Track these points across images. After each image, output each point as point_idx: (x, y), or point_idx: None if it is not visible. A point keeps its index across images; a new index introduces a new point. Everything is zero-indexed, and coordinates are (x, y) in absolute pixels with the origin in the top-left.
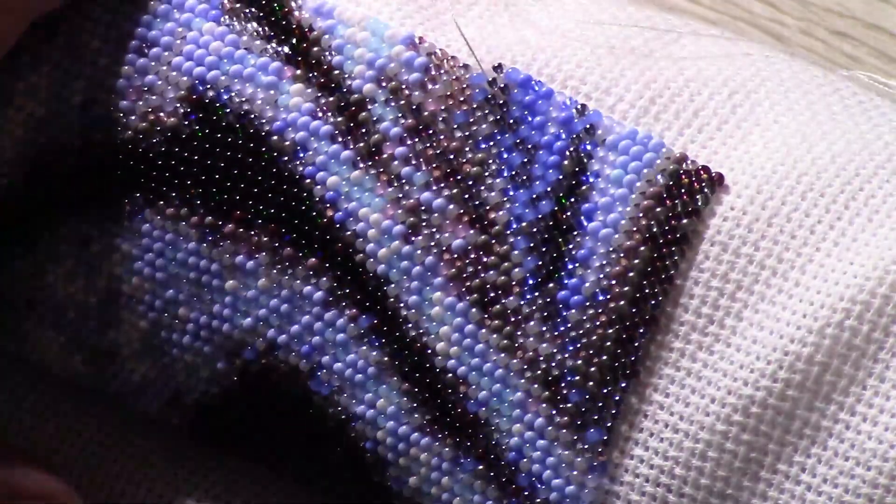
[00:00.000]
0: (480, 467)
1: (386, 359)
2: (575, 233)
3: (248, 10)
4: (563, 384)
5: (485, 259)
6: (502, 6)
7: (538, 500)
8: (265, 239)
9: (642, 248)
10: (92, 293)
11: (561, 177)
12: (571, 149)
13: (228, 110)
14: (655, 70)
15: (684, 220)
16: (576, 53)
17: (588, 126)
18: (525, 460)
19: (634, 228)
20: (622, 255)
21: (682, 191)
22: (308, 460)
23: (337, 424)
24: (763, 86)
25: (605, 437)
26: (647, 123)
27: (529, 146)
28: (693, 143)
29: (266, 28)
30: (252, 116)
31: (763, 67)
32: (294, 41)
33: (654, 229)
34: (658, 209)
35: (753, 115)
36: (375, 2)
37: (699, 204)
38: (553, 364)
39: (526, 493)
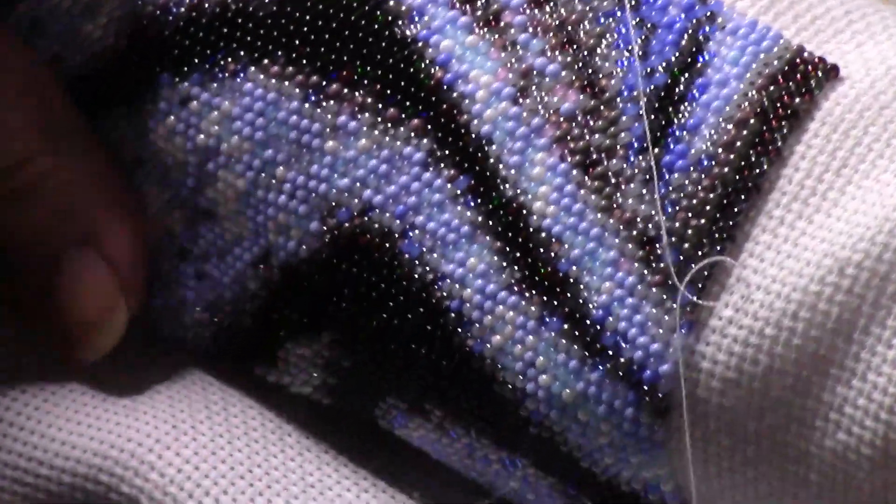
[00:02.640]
0: (566, 326)
1: (480, 218)
2: (686, 104)
3: None
4: (658, 244)
5: (592, 123)
6: None
7: (622, 360)
8: (369, 100)
9: (752, 121)
10: (191, 152)
11: (678, 54)
12: (691, 30)
13: None
14: None
15: (797, 100)
16: None
17: (709, 13)
18: (612, 318)
19: (747, 103)
20: (731, 125)
21: (798, 75)
22: (389, 321)
23: (423, 285)
24: (878, 12)
25: (696, 297)
26: (766, 21)
27: (649, 24)
28: (809, 44)
29: None
30: None
31: (870, 3)
32: None
33: (766, 104)
34: (772, 88)
35: (868, 30)
36: None
37: (813, 87)
38: (650, 225)
39: (610, 353)
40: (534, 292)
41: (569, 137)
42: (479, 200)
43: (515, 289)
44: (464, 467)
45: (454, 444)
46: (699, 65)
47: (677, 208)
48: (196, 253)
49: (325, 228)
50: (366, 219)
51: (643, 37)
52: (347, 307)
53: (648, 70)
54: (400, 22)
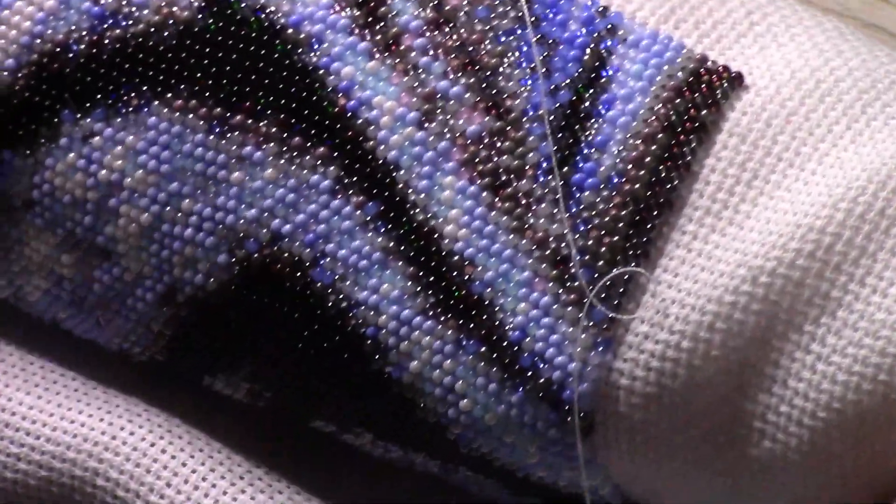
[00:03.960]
0: (483, 349)
1: (391, 244)
2: (592, 120)
3: None
4: (571, 263)
5: (499, 144)
6: None
7: (541, 380)
8: (273, 129)
9: (660, 135)
10: (91, 188)
11: (581, 70)
12: (592, 45)
13: (244, 4)
14: None
15: (703, 111)
16: None
17: (609, 26)
18: (528, 339)
19: (653, 117)
20: (640, 140)
21: (703, 86)
22: (305, 351)
23: (337, 313)
24: (778, 11)
25: (611, 315)
26: (667, 31)
27: (550, 41)
28: (712, 51)
29: None
30: (268, 10)
31: None
32: None
33: (673, 118)
34: (677, 100)
35: (770, 32)
36: None
37: (719, 98)
38: (563, 244)
39: (529, 374)
40: (449, 316)
41: (476, 160)
42: (389, 226)
43: (431, 313)
44: (409, 467)
45: (391, 454)
46: (603, 80)
47: (589, 226)
48: (91, 300)
49: (233, 260)
50: (275, 248)
51: (545, 54)
52: (262, 338)
53: (552, 88)
54: (300, 50)
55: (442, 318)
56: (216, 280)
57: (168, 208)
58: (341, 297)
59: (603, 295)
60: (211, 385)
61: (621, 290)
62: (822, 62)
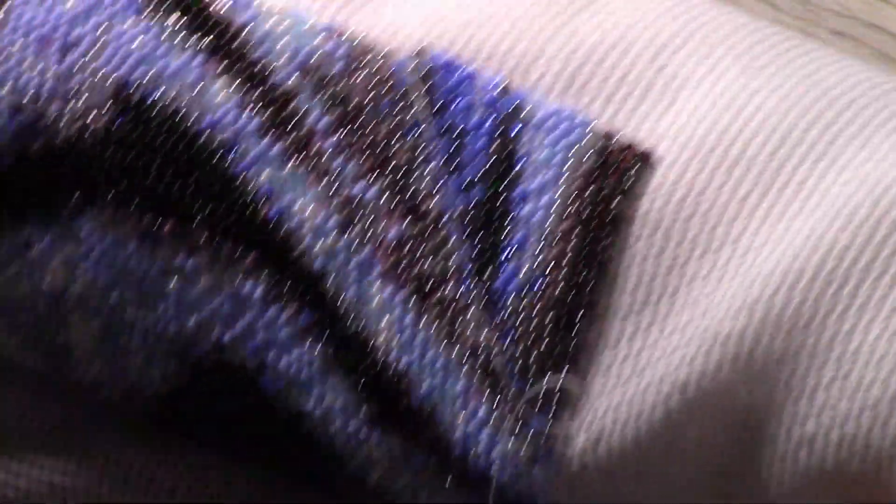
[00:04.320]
0: (432, 460)
1: (329, 354)
2: (509, 218)
3: (166, 4)
4: (504, 373)
5: (421, 249)
6: None
7: (490, 492)
8: (203, 239)
9: (575, 232)
10: (39, 296)
11: (491, 161)
12: (499, 132)
13: (157, 110)
14: (578, 38)
15: (615, 201)
16: (497, 27)
17: (514, 106)
18: (473, 453)
19: (566, 212)
20: (556, 239)
21: (612, 170)
22: (271, 455)
23: (290, 420)
24: (687, 43)
25: (550, 425)
26: (574, 97)
27: (457, 131)
28: (620, 113)
29: (186, 22)
30: (181, 115)
31: (688, 22)
32: (216, 35)
33: (586, 212)
34: (588, 190)
35: (679, 76)
36: None
37: (629, 183)
38: (494, 353)
39: (481, 485)
40: (395, 427)
41: (400, 266)
42: (325, 336)
43: (377, 425)
44: None
45: None
46: (514, 171)
47: (517, 333)
48: (59, 406)
49: (182, 367)
50: (220, 357)
51: (453, 146)
52: (226, 438)
53: (465, 184)
54: (217, 156)
55: (388, 430)
56: (172, 385)
57: (114, 318)
58: (289, 406)
59: (539, 405)
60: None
61: (556, 398)
62: (734, 115)
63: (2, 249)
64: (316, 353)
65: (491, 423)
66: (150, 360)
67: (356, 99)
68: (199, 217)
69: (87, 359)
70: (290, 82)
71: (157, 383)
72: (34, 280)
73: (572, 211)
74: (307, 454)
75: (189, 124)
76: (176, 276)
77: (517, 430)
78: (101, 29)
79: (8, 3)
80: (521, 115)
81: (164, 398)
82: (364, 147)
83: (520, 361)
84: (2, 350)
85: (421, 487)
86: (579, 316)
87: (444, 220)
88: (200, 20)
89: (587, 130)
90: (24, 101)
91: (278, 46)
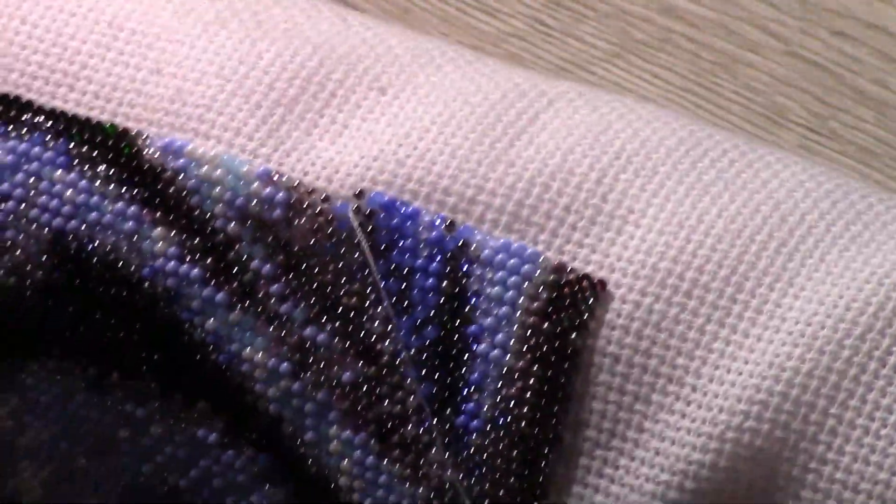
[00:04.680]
0: None
1: (291, 497)
2: (465, 357)
3: (96, 153)
4: None
5: (378, 390)
6: (353, 104)
7: None
8: (153, 385)
9: (535, 368)
10: None
11: (441, 300)
12: (447, 269)
13: (95, 260)
14: (519, 165)
15: (572, 335)
16: (436, 161)
17: (461, 243)
18: None
19: (524, 348)
20: (516, 376)
21: (566, 303)
22: None
23: None
24: (630, 164)
25: None
26: (520, 230)
27: (404, 271)
28: (569, 243)
29: (118, 171)
30: (120, 265)
31: (628, 140)
32: (149, 183)
33: (544, 347)
34: (544, 326)
35: (626, 200)
36: (226, 132)
37: (585, 316)
38: (460, 491)
39: None
40: None
41: (359, 408)
42: (284, 478)
43: None
44: None
45: None
46: (467, 309)
47: (483, 470)
48: None
49: None
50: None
51: (402, 286)
52: None
53: (417, 324)
54: (161, 304)
55: None
56: None
57: (64, 470)
58: None
59: None
60: None
61: None
62: (684, 240)
63: None
64: (276, 497)
65: None
66: None
67: (299, 244)
68: (145, 366)
69: None
70: (229, 229)
71: None
72: None
73: (530, 346)
74: None
75: (130, 273)
76: (127, 425)
77: None
78: (32, 181)
79: None
80: (469, 252)
81: None
82: (311, 291)
83: (488, 497)
84: None
85: None
86: (545, 451)
87: (398, 360)
88: (132, 168)
89: (538, 263)
90: None
91: (214, 193)
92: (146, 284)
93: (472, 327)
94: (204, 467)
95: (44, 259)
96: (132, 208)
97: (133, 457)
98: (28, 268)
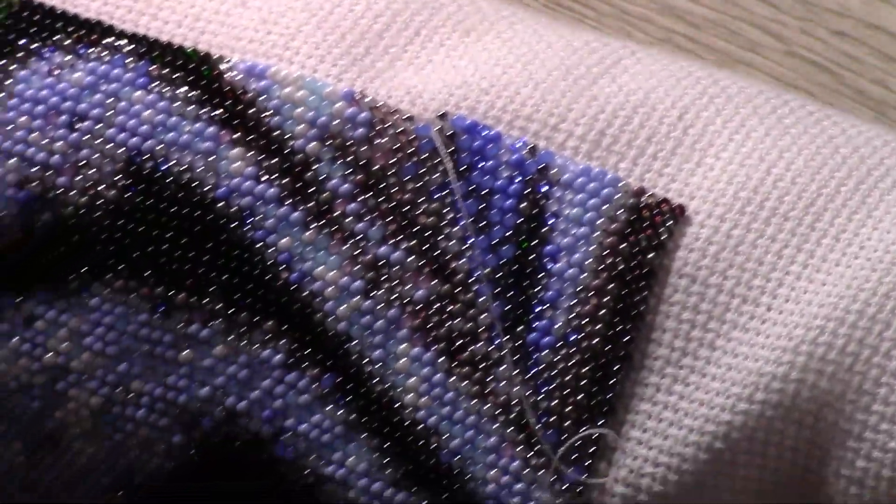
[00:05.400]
0: None
1: (353, 417)
2: (540, 275)
3: (176, 76)
4: (538, 426)
5: (450, 308)
6: (437, 43)
7: None
8: (219, 306)
9: (610, 286)
10: (38, 372)
11: (520, 220)
12: (527, 191)
13: (169, 180)
14: (602, 99)
15: (649, 255)
16: (520, 91)
17: (541, 166)
18: None
19: (600, 267)
20: (591, 294)
21: (645, 225)
22: None
23: (305, 487)
24: (712, 103)
25: (585, 477)
26: (601, 157)
27: (484, 192)
28: (650, 171)
29: (197, 92)
30: (194, 184)
31: (709, 85)
32: (228, 104)
33: (620, 266)
34: (622, 245)
35: (707, 134)
36: (309, 59)
37: (663, 238)
38: (526, 407)
39: None
40: (421, 487)
41: (428, 325)
42: (348, 398)
43: (402, 485)
44: None
45: None
46: (544, 229)
47: (551, 386)
48: (42, 489)
49: (189, 439)
50: (232, 427)
51: (480, 207)
52: None
53: (494, 243)
54: (234, 224)
55: (414, 489)
56: (175, 460)
57: (118, 390)
58: (307, 472)
59: (574, 456)
60: None
61: (591, 450)
62: (765, 171)
63: (4, 325)
64: (338, 416)
65: (524, 476)
66: (154, 433)
67: (379, 163)
68: (214, 285)
69: (82, 439)
70: (308, 148)
71: (159, 460)
72: (34, 355)
73: (607, 266)
74: None
75: (204, 193)
76: (189, 346)
77: (552, 483)
78: (110, 101)
79: (10, 76)
80: (549, 175)
81: (164, 477)
82: (388, 210)
83: (554, 414)
84: None
85: None
86: (615, 368)
87: (472, 279)
88: (212, 90)
89: (618, 187)
90: (31, 172)
91: (295, 113)
92: (220, 204)
93: (549, 247)
94: (265, 388)
95: (118, 179)
96: (210, 129)
97: (192, 378)
98: (102, 187)
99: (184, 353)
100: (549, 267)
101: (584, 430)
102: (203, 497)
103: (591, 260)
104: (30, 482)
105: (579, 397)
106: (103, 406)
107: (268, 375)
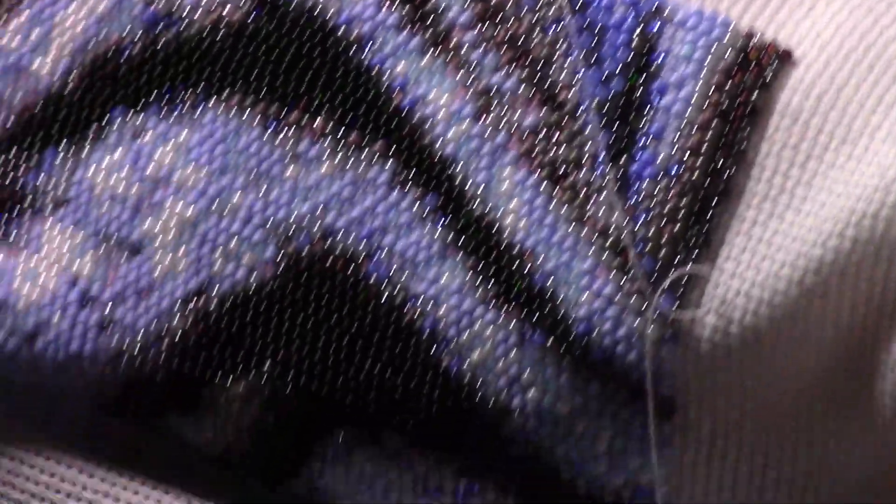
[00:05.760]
0: (550, 341)
1: (450, 237)
2: (647, 109)
3: None
4: (633, 253)
5: (557, 136)
6: None
7: (613, 372)
8: (330, 126)
9: (714, 123)
10: (136, 183)
11: (631, 56)
12: (640, 28)
13: (293, 5)
14: None
15: (754, 95)
16: None
17: (656, 6)
18: (596, 332)
19: (706, 104)
20: (695, 129)
21: (751, 66)
22: (350, 346)
23: (391, 307)
24: None
25: (677, 305)
26: (713, 2)
27: (597, 28)
28: (760, 17)
29: None
30: (318, 10)
31: None
32: None
33: (725, 104)
34: (728, 84)
35: None
36: None
37: (768, 78)
38: (624, 234)
39: (602, 365)
40: (511, 307)
41: (534, 152)
42: (448, 219)
43: (493, 305)
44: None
45: (403, 475)
46: (654, 66)
47: (650, 216)
48: (105, 298)
49: (280, 255)
50: (328, 243)
51: (593, 41)
52: (299, 336)
53: (604, 76)
54: (353, 49)
55: (504, 310)
56: (258, 275)
57: (216, 203)
58: (397, 290)
59: (668, 285)
60: (214, 397)
61: (685, 280)
62: (872, 22)
63: (110, 137)
64: (436, 236)
65: (617, 302)
66: (244, 247)
67: None
68: (327, 106)
69: (167, 247)
70: None
71: (243, 272)
72: (138, 165)
73: (712, 103)
74: (398, 342)
75: (326, 18)
76: (295, 163)
77: (644, 311)
78: None
79: None
80: (662, 15)
81: (248, 291)
82: (504, 40)
83: (650, 242)
84: (50, 253)
85: (525, 368)
86: (714, 201)
87: (581, 109)
88: None
89: (728, 30)
90: None
91: None
92: (341, 30)
93: (657, 83)
94: (367, 206)
95: (243, 1)
96: None
97: (294, 194)
98: (227, 9)
99: (290, 170)
100: (656, 102)
101: (679, 260)
102: (286, 313)
103: (697, 97)
104: (89, 297)
105: (676, 228)
106: (196, 217)
107: (371, 194)
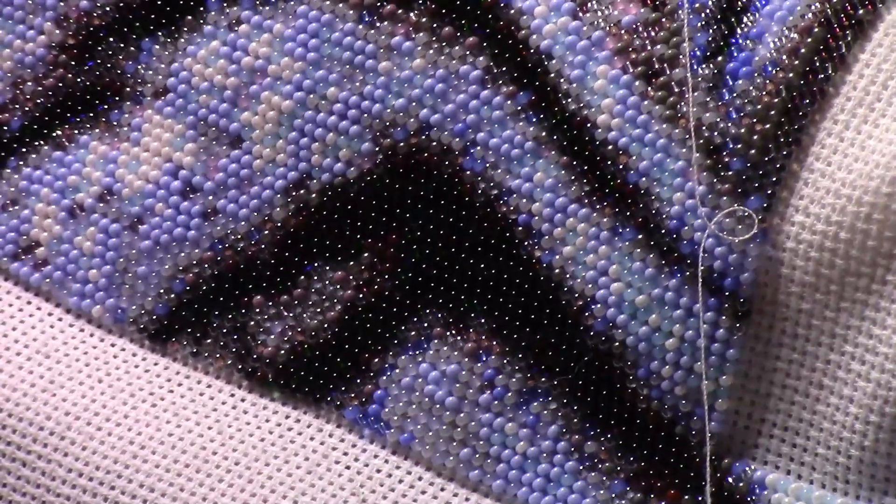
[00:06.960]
0: (640, 236)
1: (544, 133)
2: (749, 14)
3: None
4: (725, 152)
5: (653, 34)
6: None
7: (701, 268)
8: (424, 19)
9: (816, 28)
10: (233, 74)
11: None
12: None
13: None
14: None
15: (860, 11)
16: None
17: None
18: (686, 228)
19: (810, 12)
20: (796, 33)
21: None
22: (447, 236)
23: (486, 200)
24: None
25: (767, 204)
26: None
27: None
28: None
29: None
30: None
31: None
32: None
33: (830, 13)
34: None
35: None
36: None
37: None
38: (716, 132)
39: (688, 261)
40: (605, 203)
41: (630, 49)
42: (541, 115)
43: (586, 201)
44: (465, 415)
45: (474, 370)
46: None
47: (742, 115)
48: (209, 188)
49: (377, 148)
50: (423, 137)
51: None
52: (398, 226)
53: None
54: None
55: (597, 206)
56: (357, 168)
57: (312, 95)
58: (492, 184)
59: (757, 185)
60: (309, 282)
61: (775, 179)
62: None
63: (206, 27)
64: (530, 132)
65: (708, 200)
66: (342, 139)
67: None
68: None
69: (265, 139)
70: None
71: (342, 166)
72: (233, 57)
73: (816, 11)
74: (492, 235)
75: None
76: (389, 56)
77: (734, 209)
78: None
79: None
80: None
81: (345, 183)
82: None
83: (743, 140)
84: (151, 142)
85: (613, 262)
86: (808, 101)
87: (680, 10)
88: None
89: None
90: None
91: None
92: None
93: None
94: (461, 102)
95: None
96: None
97: (388, 89)
98: None
99: (383, 63)
100: (759, 7)
101: (770, 158)
102: (377, 206)
103: (801, 6)
104: (191, 187)
105: (768, 126)
106: (293, 109)
107: (463, 90)
